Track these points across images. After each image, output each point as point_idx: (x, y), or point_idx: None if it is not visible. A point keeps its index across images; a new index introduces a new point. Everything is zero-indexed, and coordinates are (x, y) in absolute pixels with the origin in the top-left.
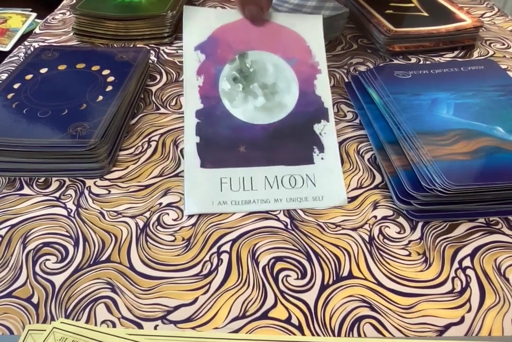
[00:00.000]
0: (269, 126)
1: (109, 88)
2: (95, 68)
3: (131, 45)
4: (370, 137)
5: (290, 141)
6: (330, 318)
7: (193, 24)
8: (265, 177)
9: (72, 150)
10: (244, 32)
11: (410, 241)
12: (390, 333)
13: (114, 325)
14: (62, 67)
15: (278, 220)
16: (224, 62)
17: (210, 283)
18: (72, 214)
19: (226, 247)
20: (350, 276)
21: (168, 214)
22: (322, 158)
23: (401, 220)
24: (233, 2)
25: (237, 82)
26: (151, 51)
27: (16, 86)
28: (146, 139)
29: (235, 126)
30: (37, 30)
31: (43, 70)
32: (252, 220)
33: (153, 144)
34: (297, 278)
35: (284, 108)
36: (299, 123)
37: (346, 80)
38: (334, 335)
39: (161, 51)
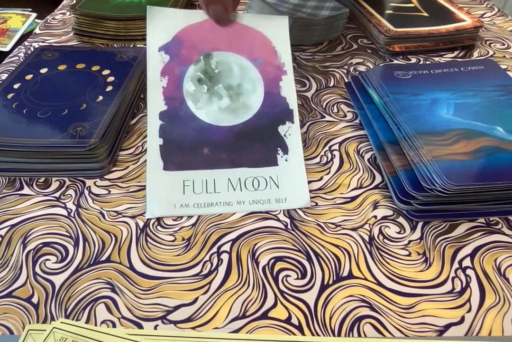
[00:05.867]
0: (234, 127)
1: (109, 88)
2: (95, 68)
3: (131, 45)
4: (370, 137)
5: (254, 143)
6: (330, 318)
7: (157, 24)
8: (228, 179)
9: (72, 150)
10: (209, 32)
11: (410, 241)
12: (390, 333)
13: (114, 325)
14: (62, 67)
15: (278, 220)
16: (188, 63)
17: (210, 283)
18: (72, 214)
19: (226, 247)
20: (350, 276)
21: None
22: (286, 160)
23: (401, 220)
24: None
25: (201, 83)
26: None
27: (16, 86)
28: (146, 139)
29: (199, 128)
30: (37, 30)
31: (43, 70)
32: (252, 220)
33: None
34: (297, 278)
35: (249, 110)
36: (264, 124)
37: (346, 80)
38: (334, 335)
39: None
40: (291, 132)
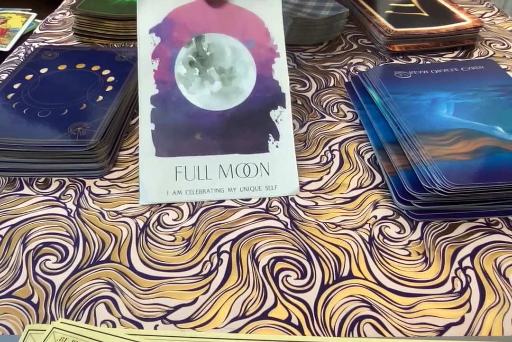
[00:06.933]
0: (226, 112)
1: (109, 88)
2: (95, 68)
3: (131, 45)
4: (370, 137)
5: (246, 129)
6: (330, 318)
7: (147, 5)
8: (220, 165)
9: (72, 150)
10: (201, 14)
11: (410, 241)
12: (390, 333)
13: (114, 325)
14: (62, 67)
15: (278, 220)
16: (180, 45)
17: (210, 283)
18: (72, 214)
19: (226, 247)
20: (350, 276)
21: (168, 214)
22: (277, 147)
23: (401, 220)
24: None
25: (193, 66)
26: None
27: (16, 86)
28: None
29: (191, 113)
30: (37, 30)
31: (43, 70)
32: (252, 220)
33: None
34: (297, 278)
35: (241, 94)
36: (256, 109)
37: (346, 80)
38: (334, 335)
39: None
40: (283, 117)
